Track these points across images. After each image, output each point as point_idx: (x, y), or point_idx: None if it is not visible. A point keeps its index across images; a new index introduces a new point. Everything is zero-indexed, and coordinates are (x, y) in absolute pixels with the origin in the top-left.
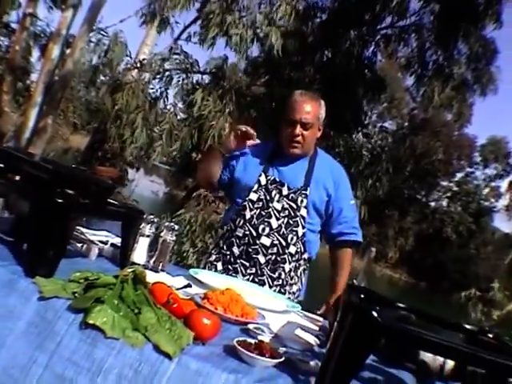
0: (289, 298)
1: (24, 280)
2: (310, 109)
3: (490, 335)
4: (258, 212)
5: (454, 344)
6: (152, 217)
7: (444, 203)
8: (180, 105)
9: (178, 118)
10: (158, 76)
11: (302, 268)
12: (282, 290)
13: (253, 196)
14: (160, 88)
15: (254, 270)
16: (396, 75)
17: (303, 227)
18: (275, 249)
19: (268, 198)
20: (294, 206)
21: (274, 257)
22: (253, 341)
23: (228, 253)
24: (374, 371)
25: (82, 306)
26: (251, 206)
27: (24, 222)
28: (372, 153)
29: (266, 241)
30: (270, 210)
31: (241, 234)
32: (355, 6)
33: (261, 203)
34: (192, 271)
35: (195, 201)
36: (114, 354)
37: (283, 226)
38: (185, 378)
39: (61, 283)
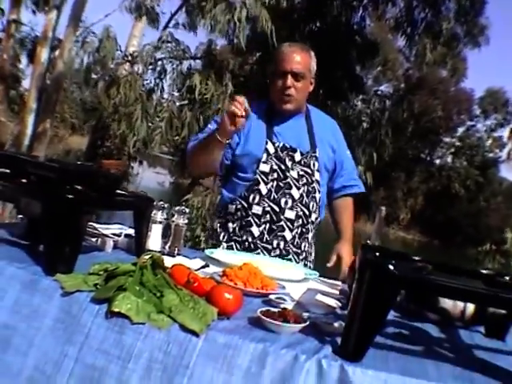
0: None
1: (45, 279)
2: (301, 59)
3: (507, 278)
4: (275, 184)
5: (473, 287)
6: (162, 203)
7: (449, 159)
8: (176, 93)
9: (177, 104)
10: (151, 67)
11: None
12: (306, 263)
13: (264, 167)
14: (155, 78)
15: (278, 252)
16: (387, 37)
17: (319, 191)
18: (300, 221)
19: (283, 167)
20: (309, 171)
21: (299, 230)
22: (276, 310)
23: (244, 237)
24: (398, 326)
25: (106, 296)
26: (265, 179)
27: (37, 224)
28: (371, 118)
29: (290, 214)
30: (289, 179)
31: (260, 212)
32: None
33: (275, 174)
34: (208, 251)
35: (200, 186)
36: (142, 339)
37: (304, 194)
38: (214, 352)
39: (81, 277)
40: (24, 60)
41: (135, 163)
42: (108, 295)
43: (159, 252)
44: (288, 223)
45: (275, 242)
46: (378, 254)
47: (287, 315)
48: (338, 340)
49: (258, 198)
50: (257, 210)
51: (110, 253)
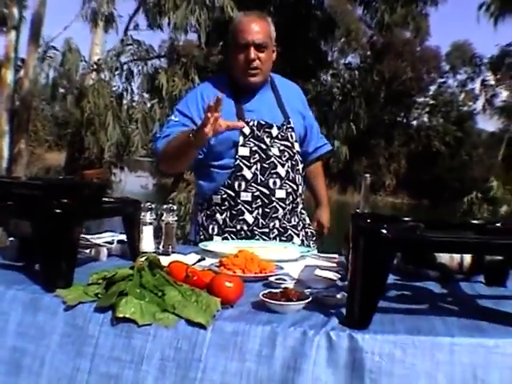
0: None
1: (46, 296)
2: (260, 28)
3: (498, 224)
4: (259, 166)
5: (467, 238)
6: (149, 204)
7: (425, 119)
8: (146, 94)
9: (149, 105)
10: (117, 72)
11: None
12: (307, 231)
13: (243, 151)
14: (123, 83)
15: (276, 232)
16: (346, 8)
17: (301, 162)
18: (290, 197)
19: (264, 146)
20: (289, 144)
21: (290, 206)
22: (277, 291)
23: (238, 227)
24: (400, 289)
25: (108, 303)
26: (247, 163)
27: (29, 243)
28: (343, 91)
29: (281, 193)
30: (272, 158)
31: (249, 198)
32: None
33: (257, 156)
34: (202, 245)
35: (183, 182)
36: (151, 340)
37: (290, 170)
38: (223, 341)
39: (81, 289)
40: None
41: (116, 169)
42: (111, 302)
43: (154, 252)
44: (280, 203)
45: (271, 225)
46: (369, 220)
47: (289, 294)
48: (343, 311)
49: (243, 184)
50: (246, 196)
51: (105, 261)
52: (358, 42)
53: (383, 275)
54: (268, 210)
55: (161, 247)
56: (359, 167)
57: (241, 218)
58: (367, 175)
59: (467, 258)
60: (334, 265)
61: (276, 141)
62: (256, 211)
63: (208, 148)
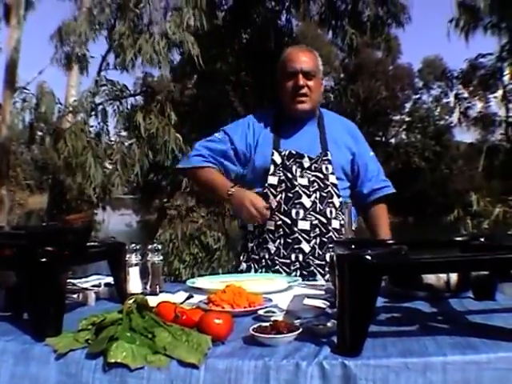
0: None
1: (36, 346)
2: (308, 58)
3: (482, 239)
4: (283, 196)
5: (451, 257)
6: (134, 245)
7: (403, 136)
8: (123, 133)
9: (126, 144)
10: (93, 113)
11: None
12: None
13: (272, 180)
14: (99, 123)
15: (298, 265)
16: (317, 33)
17: (338, 196)
18: (317, 230)
19: (290, 176)
20: (321, 175)
21: (318, 240)
22: (267, 324)
23: (261, 254)
24: (389, 311)
25: (99, 349)
26: (274, 192)
27: (16, 293)
28: None
29: (304, 225)
30: (297, 188)
31: (273, 227)
32: None
33: (283, 185)
34: (189, 282)
35: (168, 219)
36: (145, 383)
37: (317, 201)
38: (217, 379)
39: (71, 336)
40: None
41: (98, 209)
42: (102, 348)
43: (142, 293)
44: (303, 234)
45: (293, 256)
46: (352, 246)
47: (279, 326)
48: (335, 339)
49: (269, 212)
50: (270, 225)
51: (93, 305)
52: (330, 65)
53: (371, 300)
54: (290, 241)
55: (148, 287)
56: None
57: (265, 246)
58: (349, 201)
59: (453, 276)
60: (322, 292)
61: (307, 171)
62: (278, 240)
63: (243, 175)
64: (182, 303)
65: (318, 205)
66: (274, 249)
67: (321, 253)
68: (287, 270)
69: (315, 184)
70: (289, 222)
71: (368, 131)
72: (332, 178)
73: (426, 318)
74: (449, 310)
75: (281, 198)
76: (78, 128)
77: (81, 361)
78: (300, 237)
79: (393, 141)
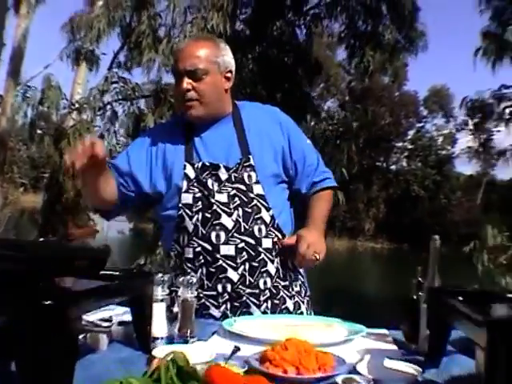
0: (300, 303)
1: None
2: (198, 53)
3: None
4: (200, 216)
5: None
6: (161, 275)
7: (404, 163)
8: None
9: None
10: (99, 113)
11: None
12: (283, 301)
13: (186, 198)
14: (105, 123)
15: (227, 296)
16: (325, 54)
17: (267, 209)
18: (245, 254)
19: (206, 192)
20: (243, 187)
21: (247, 265)
22: None
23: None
24: None
25: None
26: (189, 213)
27: (6, 334)
28: (335, 134)
29: (228, 250)
30: (215, 207)
31: (191, 255)
32: None
33: (200, 203)
34: (226, 323)
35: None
36: None
37: (240, 219)
38: None
39: None
40: None
41: (95, 215)
42: None
43: (167, 338)
44: (228, 261)
45: (219, 287)
46: (460, 297)
47: None
48: None
49: (186, 238)
50: (188, 253)
51: (105, 351)
52: (336, 87)
53: None
54: (213, 270)
55: (176, 331)
56: (338, 212)
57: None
58: (436, 237)
59: None
60: (394, 347)
61: (226, 184)
62: (200, 270)
63: (154, 195)
64: (227, 360)
65: (243, 224)
66: (198, 278)
67: (252, 280)
68: (215, 304)
69: (236, 199)
70: (209, 247)
71: (369, 155)
72: (257, 189)
73: None
74: None
75: (197, 219)
76: (83, 127)
77: None
78: (225, 264)
79: (393, 167)
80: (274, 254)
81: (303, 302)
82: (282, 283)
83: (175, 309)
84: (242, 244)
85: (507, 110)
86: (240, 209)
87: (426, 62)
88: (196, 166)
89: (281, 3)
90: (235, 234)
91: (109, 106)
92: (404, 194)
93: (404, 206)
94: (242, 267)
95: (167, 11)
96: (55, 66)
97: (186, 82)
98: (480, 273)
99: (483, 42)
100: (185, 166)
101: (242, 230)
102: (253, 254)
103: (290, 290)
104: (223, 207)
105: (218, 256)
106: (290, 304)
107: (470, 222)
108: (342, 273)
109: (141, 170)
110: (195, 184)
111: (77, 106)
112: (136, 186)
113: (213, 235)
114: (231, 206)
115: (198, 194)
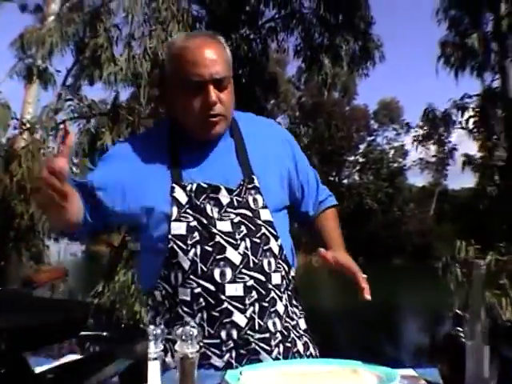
0: (309, 343)
1: None
2: (218, 55)
3: None
4: (199, 250)
5: None
6: (152, 328)
7: (356, 177)
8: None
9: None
10: (51, 133)
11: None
12: (294, 344)
13: (177, 228)
14: (59, 144)
15: (232, 344)
16: (276, 70)
17: (276, 238)
18: (254, 293)
19: (205, 221)
20: (249, 213)
21: (257, 307)
22: None
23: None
24: None
25: None
26: (183, 246)
27: None
28: None
29: (235, 289)
30: (218, 238)
31: (188, 297)
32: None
33: (196, 234)
34: (231, 377)
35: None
36: None
37: (249, 253)
38: None
39: None
40: None
41: (50, 241)
42: None
43: None
44: (235, 303)
45: (223, 334)
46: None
47: None
48: None
49: (181, 277)
50: (184, 295)
51: None
52: (286, 103)
53: None
54: (216, 314)
55: None
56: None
57: (179, 323)
58: (481, 262)
59: None
60: None
61: (228, 210)
62: (199, 315)
63: (129, 221)
64: None
65: (251, 257)
66: (196, 324)
67: (262, 323)
68: (218, 353)
69: (242, 227)
70: (212, 288)
71: (322, 170)
72: (265, 214)
73: None
74: None
75: (195, 254)
76: (35, 147)
77: None
78: (231, 306)
79: (346, 181)
80: (282, 290)
81: (311, 341)
82: (292, 323)
83: (167, 359)
84: (251, 282)
85: (471, 120)
86: (247, 239)
87: (374, 74)
88: (188, 188)
89: (235, 17)
90: (243, 270)
91: (62, 125)
92: (357, 207)
93: (358, 219)
94: (251, 309)
95: (124, 22)
96: (4, 84)
97: (214, 94)
98: (453, 288)
99: (444, 52)
100: (173, 188)
101: (251, 264)
102: (263, 292)
103: (298, 329)
104: (228, 238)
105: (223, 297)
106: (299, 345)
107: (423, 233)
108: (305, 293)
109: (111, 190)
110: (188, 211)
111: (28, 126)
112: (104, 208)
113: (216, 273)
114: (237, 237)
115: (194, 223)
